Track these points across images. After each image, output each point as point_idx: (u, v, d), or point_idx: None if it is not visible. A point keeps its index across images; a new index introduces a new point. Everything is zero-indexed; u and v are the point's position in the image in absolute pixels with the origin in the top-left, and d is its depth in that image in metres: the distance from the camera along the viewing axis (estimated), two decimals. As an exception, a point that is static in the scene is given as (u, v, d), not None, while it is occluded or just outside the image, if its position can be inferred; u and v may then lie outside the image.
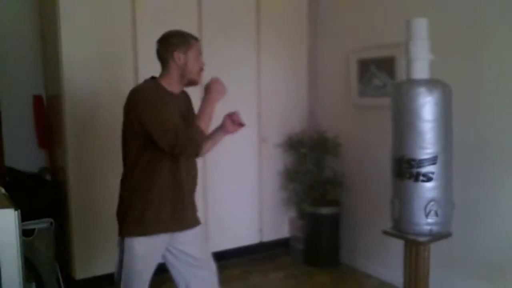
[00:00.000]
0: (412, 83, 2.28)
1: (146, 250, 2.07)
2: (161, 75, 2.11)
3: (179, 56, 2.05)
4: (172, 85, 2.09)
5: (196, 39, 2.12)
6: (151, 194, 2.05)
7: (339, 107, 3.75)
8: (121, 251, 2.13)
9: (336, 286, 3.38)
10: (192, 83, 2.13)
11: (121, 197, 2.20)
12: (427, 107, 2.21)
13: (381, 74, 3.32)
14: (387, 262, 3.31)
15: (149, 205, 2.06)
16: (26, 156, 3.37)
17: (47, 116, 3.42)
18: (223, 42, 3.54)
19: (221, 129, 2.25)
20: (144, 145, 2.02)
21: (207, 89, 2.06)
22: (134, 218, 2.09)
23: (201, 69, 2.13)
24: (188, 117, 2.12)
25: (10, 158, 3.14)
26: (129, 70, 3.22)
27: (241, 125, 2.24)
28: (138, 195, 2.09)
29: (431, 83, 2.25)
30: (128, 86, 3.19)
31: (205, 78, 2.20)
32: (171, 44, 2.07)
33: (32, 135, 3.42)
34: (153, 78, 2.13)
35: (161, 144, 1.93)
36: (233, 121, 2.23)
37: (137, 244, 2.06)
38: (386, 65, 3.26)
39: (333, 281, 3.45)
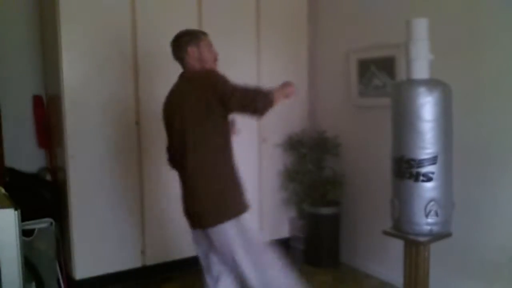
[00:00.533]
0: (412, 83, 2.28)
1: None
2: (184, 72, 2.31)
3: (193, 50, 2.25)
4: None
5: (204, 33, 2.34)
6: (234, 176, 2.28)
7: (339, 107, 3.75)
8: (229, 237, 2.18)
9: (336, 286, 3.38)
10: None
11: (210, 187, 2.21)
12: (427, 107, 2.21)
13: (381, 74, 3.32)
14: (387, 262, 3.31)
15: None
16: (26, 156, 3.37)
17: (47, 116, 3.42)
18: (223, 42, 3.52)
19: None
20: (222, 128, 2.19)
21: (286, 82, 2.30)
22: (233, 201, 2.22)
23: (216, 58, 2.33)
24: None
25: (10, 158, 3.14)
26: (129, 70, 3.22)
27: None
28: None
29: (431, 83, 2.25)
30: (128, 86, 3.22)
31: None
32: (183, 41, 2.26)
33: (32, 135, 3.42)
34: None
35: (248, 105, 2.12)
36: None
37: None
38: (386, 65, 3.26)
39: (333, 281, 3.45)
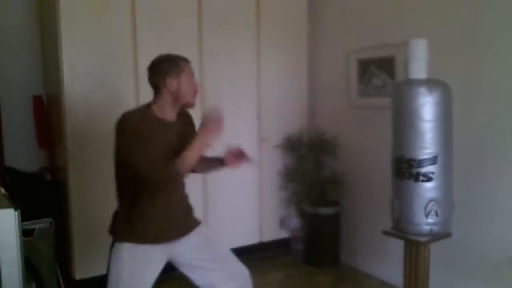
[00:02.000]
0: (412, 83, 2.28)
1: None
2: (154, 101, 2.07)
3: (171, 82, 2.01)
4: (165, 111, 2.06)
5: (186, 61, 2.07)
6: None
7: (339, 107, 3.75)
8: None
9: (336, 286, 3.38)
10: (187, 106, 2.10)
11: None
12: (427, 107, 2.21)
13: (381, 74, 3.32)
14: (387, 262, 3.31)
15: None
16: (26, 156, 3.37)
17: (47, 116, 3.42)
18: (223, 42, 3.54)
19: (221, 162, 2.22)
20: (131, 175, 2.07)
21: (203, 123, 1.97)
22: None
23: (195, 91, 2.10)
24: (186, 137, 2.08)
25: (10, 158, 3.14)
26: (128, 70, 3.22)
27: (244, 159, 2.22)
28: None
29: (431, 83, 2.25)
30: (127, 86, 3.22)
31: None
32: (162, 70, 2.02)
33: (32, 135, 3.42)
34: (148, 104, 2.10)
35: (143, 176, 1.99)
36: (236, 157, 2.20)
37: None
38: (386, 65, 3.26)
39: (333, 281, 3.45)
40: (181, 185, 2.24)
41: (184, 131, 2.15)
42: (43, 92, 3.46)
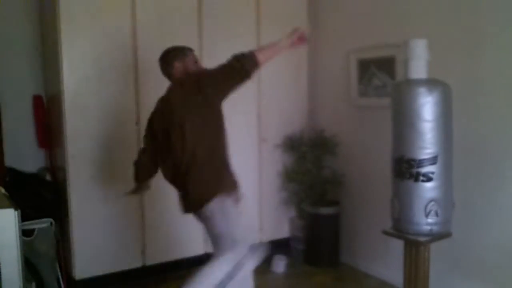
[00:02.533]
0: (412, 83, 2.28)
1: None
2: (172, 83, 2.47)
3: (178, 65, 2.40)
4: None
5: (191, 49, 2.48)
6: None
7: (339, 107, 3.75)
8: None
9: (336, 286, 3.38)
10: None
11: None
12: (427, 107, 2.21)
13: (381, 74, 3.32)
14: (387, 262, 3.31)
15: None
16: (26, 156, 3.37)
17: (47, 116, 3.42)
18: (223, 42, 3.54)
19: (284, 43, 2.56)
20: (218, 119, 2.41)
21: (291, 32, 2.48)
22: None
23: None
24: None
25: (10, 158, 3.14)
26: (129, 70, 3.22)
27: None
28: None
29: (431, 83, 2.25)
30: (128, 86, 3.22)
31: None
32: (170, 57, 2.42)
33: (32, 135, 3.42)
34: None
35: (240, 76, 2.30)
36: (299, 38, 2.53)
37: None
38: (386, 65, 3.26)
39: (333, 281, 3.45)
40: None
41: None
42: (43, 92, 3.46)
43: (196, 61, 2.47)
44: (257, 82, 3.77)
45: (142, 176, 2.69)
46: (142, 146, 2.77)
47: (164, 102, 2.48)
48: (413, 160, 2.24)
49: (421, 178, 2.24)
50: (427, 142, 2.22)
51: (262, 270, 3.59)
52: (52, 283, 2.86)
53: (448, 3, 2.85)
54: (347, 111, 3.67)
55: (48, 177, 3.42)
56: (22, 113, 3.38)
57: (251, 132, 3.72)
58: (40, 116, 3.40)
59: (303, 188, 3.76)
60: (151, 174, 2.70)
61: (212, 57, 3.48)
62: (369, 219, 3.50)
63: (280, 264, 3.59)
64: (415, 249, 2.33)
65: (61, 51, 2.98)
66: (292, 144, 3.81)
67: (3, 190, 1.68)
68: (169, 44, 3.31)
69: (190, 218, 2.55)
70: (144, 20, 3.23)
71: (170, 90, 2.47)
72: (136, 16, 3.21)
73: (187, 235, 3.44)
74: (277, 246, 3.96)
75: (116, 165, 3.25)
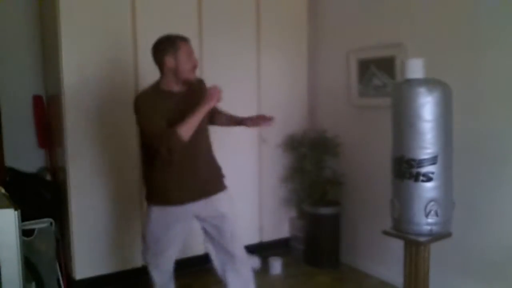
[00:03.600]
0: (412, 83, 2.28)
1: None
2: (160, 78, 2.39)
3: (169, 60, 2.29)
4: (169, 85, 2.35)
5: (184, 39, 2.33)
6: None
7: (339, 107, 3.75)
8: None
9: (336, 286, 3.38)
10: (187, 81, 2.36)
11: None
12: (427, 107, 2.21)
13: (381, 74, 3.32)
14: (387, 262, 3.31)
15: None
16: (26, 156, 3.37)
17: (47, 116, 3.42)
18: (223, 42, 3.54)
19: (241, 122, 2.60)
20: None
21: (205, 93, 2.30)
22: None
23: (194, 67, 2.36)
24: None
25: (10, 158, 3.14)
26: (129, 69, 3.22)
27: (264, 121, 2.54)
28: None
29: (431, 83, 2.24)
30: (128, 85, 3.22)
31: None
32: (161, 50, 2.31)
33: (32, 135, 3.42)
34: (157, 81, 2.41)
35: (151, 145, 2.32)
36: (256, 119, 2.56)
37: None
38: (386, 65, 3.26)
39: (333, 281, 3.45)
40: (200, 150, 2.43)
41: (196, 100, 2.33)
42: (43, 92, 3.46)
43: (190, 53, 2.34)
44: (257, 82, 3.77)
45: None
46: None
47: (183, 98, 2.38)
48: (413, 160, 2.24)
49: (421, 178, 2.24)
50: (427, 142, 2.22)
51: (260, 272, 3.59)
52: (52, 283, 2.86)
53: (448, 3, 2.85)
54: (347, 111, 3.67)
55: (48, 177, 3.42)
56: (22, 113, 3.38)
57: (251, 132, 3.71)
58: (40, 116, 3.40)
59: (303, 188, 3.77)
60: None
61: (212, 57, 3.51)
62: (369, 219, 3.50)
63: (275, 266, 3.59)
64: (415, 249, 2.33)
65: (61, 51, 2.98)
66: (292, 144, 3.81)
67: (3, 190, 1.67)
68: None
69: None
70: (144, 20, 3.23)
71: (188, 92, 2.40)
72: (136, 16, 3.21)
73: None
74: (277, 246, 3.97)
75: (116, 165, 3.25)
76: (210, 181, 2.50)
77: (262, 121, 2.52)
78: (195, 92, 2.38)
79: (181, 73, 2.32)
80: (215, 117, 2.63)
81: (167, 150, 2.24)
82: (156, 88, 2.37)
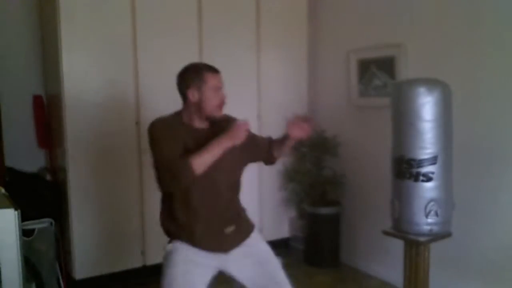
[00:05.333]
0: (412, 83, 2.28)
1: None
2: (183, 108, 2.07)
3: (193, 94, 1.99)
4: (192, 119, 2.04)
5: (214, 71, 2.03)
6: None
7: (339, 107, 3.75)
8: None
9: (336, 286, 3.38)
10: (211, 117, 2.04)
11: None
12: (427, 107, 2.20)
13: (381, 74, 3.32)
14: (387, 262, 3.31)
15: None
16: (26, 156, 3.37)
17: (47, 116, 3.42)
18: (223, 42, 3.54)
19: (287, 137, 2.32)
20: None
21: (230, 128, 1.98)
22: None
23: (221, 104, 2.04)
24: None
25: (10, 158, 3.14)
26: (128, 70, 3.22)
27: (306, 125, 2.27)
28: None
29: (431, 83, 2.24)
30: (127, 85, 3.22)
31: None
32: (185, 80, 2.01)
33: (32, 135, 3.42)
34: (180, 111, 2.09)
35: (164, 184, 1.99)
36: (298, 126, 2.26)
37: None
38: (386, 65, 3.26)
39: (333, 281, 3.45)
40: (222, 191, 2.11)
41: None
42: (43, 92, 3.46)
43: (218, 88, 2.03)
44: (257, 82, 3.77)
45: None
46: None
47: (206, 136, 2.04)
48: (413, 160, 2.24)
49: (421, 178, 2.24)
50: (427, 142, 2.22)
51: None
52: (52, 283, 2.86)
53: (448, 3, 2.85)
54: (347, 111, 3.67)
55: (48, 177, 3.42)
56: (22, 113, 3.38)
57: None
58: (40, 116, 3.40)
59: (303, 188, 3.76)
60: None
61: (212, 57, 3.50)
62: (369, 219, 3.50)
63: None
64: (415, 249, 2.33)
65: (61, 51, 2.98)
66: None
67: (3, 190, 1.68)
68: (169, 43, 3.34)
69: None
70: (145, 20, 3.23)
71: (213, 130, 2.06)
72: (136, 16, 3.21)
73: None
74: (277, 246, 3.96)
75: (116, 165, 3.25)
76: (238, 227, 2.18)
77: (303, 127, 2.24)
78: (221, 131, 2.03)
79: (205, 110, 2.00)
80: (274, 152, 2.35)
81: (173, 180, 1.92)
82: (176, 119, 2.06)
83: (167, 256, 2.13)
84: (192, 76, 2.00)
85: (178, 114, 2.08)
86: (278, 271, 2.23)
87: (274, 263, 2.23)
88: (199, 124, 2.05)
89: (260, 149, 2.32)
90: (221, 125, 2.06)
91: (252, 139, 2.22)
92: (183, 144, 1.97)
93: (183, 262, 2.04)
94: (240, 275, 2.13)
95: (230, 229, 2.13)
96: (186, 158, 1.89)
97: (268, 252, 2.25)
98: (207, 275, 2.08)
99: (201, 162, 1.90)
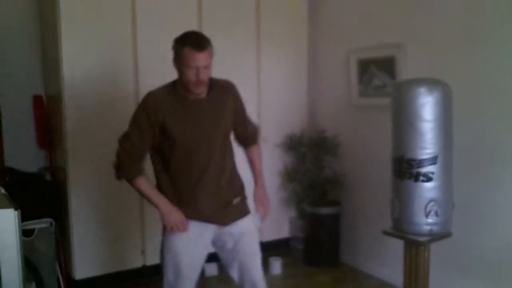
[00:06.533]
0: (412, 83, 2.28)
1: None
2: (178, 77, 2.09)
3: (176, 66, 2.03)
4: (183, 89, 2.06)
5: (196, 48, 1.95)
6: None
7: (339, 107, 3.75)
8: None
9: (336, 286, 3.38)
10: (190, 92, 2.04)
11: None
12: (427, 107, 2.21)
13: (381, 74, 3.32)
14: (387, 262, 3.31)
15: None
16: (26, 156, 3.37)
17: (47, 116, 3.42)
18: (223, 42, 3.53)
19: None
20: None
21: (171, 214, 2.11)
22: None
23: (198, 81, 1.98)
24: (223, 111, 2.14)
25: (10, 158, 3.14)
26: (129, 69, 3.22)
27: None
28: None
29: (431, 83, 2.25)
30: (128, 85, 3.22)
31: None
32: (173, 50, 2.03)
33: (32, 135, 3.42)
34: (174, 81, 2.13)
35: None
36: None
37: None
38: (386, 65, 3.26)
39: (333, 281, 3.45)
40: (217, 166, 2.12)
41: (220, 107, 2.13)
42: (43, 92, 3.46)
43: (194, 67, 1.99)
44: (257, 82, 3.77)
45: None
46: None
47: (202, 105, 2.13)
48: (413, 160, 2.24)
49: (421, 178, 2.24)
50: (427, 142, 2.22)
51: (263, 270, 3.59)
52: (52, 283, 2.86)
53: (448, 3, 2.85)
54: (347, 111, 3.67)
55: (48, 177, 3.42)
56: (22, 113, 3.38)
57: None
58: (40, 116, 3.40)
59: (303, 188, 3.76)
60: None
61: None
62: (369, 219, 3.50)
63: (275, 266, 3.59)
64: (415, 249, 2.33)
65: (61, 51, 2.98)
66: (292, 144, 3.81)
67: (3, 190, 1.67)
68: (169, 43, 3.32)
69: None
70: (144, 20, 3.23)
71: (210, 98, 2.14)
72: (136, 15, 3.20)
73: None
74: (277, 246, 3.97)
75: (116, 165, 3.24)
76: (231, 204, 2.19)
77: (261, 208, 2.32)
78: (217, 99, 2.11)
79: (183, 83, 2.02)
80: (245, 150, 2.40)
81: (115, 165, 2.20)
82: (172, 91, 2.08)
83: (166, 240, 2.22)
84: (176, 48, 2.01)
85: (174, 84, 2.10)
86: (254, 244, 2.26)
87: (250, 237, 2.24)
88: (193, 94, 2.05)
89: (236, 128, 2.31)
90: (217, 93, 2.13)
91: (239, 114, 2.28)
92: (181, 121, 2.04)
93: (182, 242, 2.12)
94: (221, 252, 2.23)
95: (236, 200, 2.21)
96: (137, 171, 2.12)
97: (250, 231, 2.26)
98: (204, 253, 2.19)
99: (139, 188, 2.12)
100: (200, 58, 1.96)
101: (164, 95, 2.08)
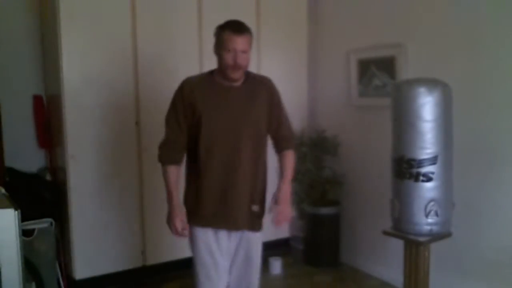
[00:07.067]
0: (412, 83, 2.28)
1: None
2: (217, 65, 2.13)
3: (215, 50, 2.08)
4: (221, 77, 2.09)
5: (235, 32, 1.99)
6: None
7: (339, 107, 3.75)
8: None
9: (336, 286, 3.38)
10: (228, 78, 2.07)
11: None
12: (427, 107, 2.21)
13: (381, 74, 3.32)
14: (387, 262, 3.31)
15: None
16: (26, 156, 3.37)
17: (47, 116, 3.42)
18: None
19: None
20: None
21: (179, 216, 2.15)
22: None
23: (235, 65, 2.01)
24: (255, 104, 2.14)
25: (10, 158, 3.14)
26: (129, 69, 3.22)
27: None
28: None
29: (431, 83, 2.25)
30: (128, 85, 3.22)
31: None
32: (215, 37, 2.09)
33: (32, 135, 3.42)
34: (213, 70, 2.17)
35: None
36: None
37: None
38: (386, 65, 3.26)
39: (333, 281, 3.45)
40: (245, 163, 2.14)
41: (253, 97, 2.14)
42: (43, 92, 3.46)
43: (233, 49, 2.03)
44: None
45: None
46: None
47: (236, 93, 2.16)
48: (413, 160, 2.25)
49: (421, 178, 2.24)
50: (427, 142, 2.22)
51: (262, 270, 3.59)
52: (52, 283, 2.86)
53: (448, 3, 2.85)
54: (347, 111, 3.67)
55: (48, 177, 3.42)
56: (22, 113, 3.38)
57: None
58: (40, 116, 3.40)
59: (303, 188, 3.76)
60: None
61: (212, 57, 3.50)
62: (369, 219, 3.50)
63: (275, 266, 3.59)
64: (415, 249, 2.33)
65: (61, 51, 2.98)
66: (292, 144, 3.80)
67: (3, 190, 1.68)
68: (169, 43, 3.34)
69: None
70: (144, 20, 3.23)
71: (245, 87, 2.18)
72: (136, 16, 3.20)
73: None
74: (277, 246, 3.97)
75: (116, 165, 3.25)
76: (249, 210, 2.21)
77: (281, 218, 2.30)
78: (252, 90, 2.14)
79: (221, 68, 2.05)
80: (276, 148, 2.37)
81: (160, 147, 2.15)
82: (208, 78, 2.12)
83: (193, 239, 2.21)
84: (217, 33, 2.06)
85: (211, 72, 2.15)
86: (255, 274, 2.30)
87: (255, 266, 2.29)
88: (229, 82, 2.08)
89: (269, 125, 2.28)
90: (252, 84, 2.15)
91: (274, 109, 2.28)
92: (185, 117, 2.08)
93: (206, 247, 2.15)
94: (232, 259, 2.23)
95: (255, 207, 2.25)
96: (167, 159, 2.12)
97: (257, 254, 2.31)
98: (228, 247, 2.21)
99: (164, 176, 2.15)
100: (238, 42, 2.00)
101: (200, 80, 2.14)
